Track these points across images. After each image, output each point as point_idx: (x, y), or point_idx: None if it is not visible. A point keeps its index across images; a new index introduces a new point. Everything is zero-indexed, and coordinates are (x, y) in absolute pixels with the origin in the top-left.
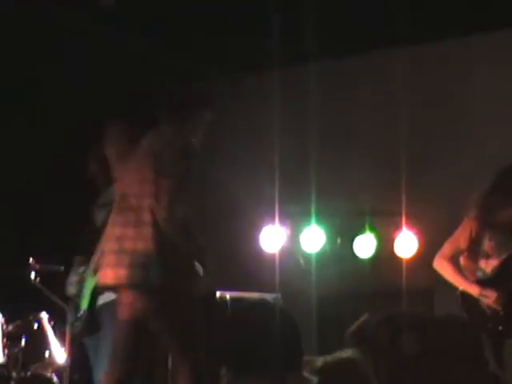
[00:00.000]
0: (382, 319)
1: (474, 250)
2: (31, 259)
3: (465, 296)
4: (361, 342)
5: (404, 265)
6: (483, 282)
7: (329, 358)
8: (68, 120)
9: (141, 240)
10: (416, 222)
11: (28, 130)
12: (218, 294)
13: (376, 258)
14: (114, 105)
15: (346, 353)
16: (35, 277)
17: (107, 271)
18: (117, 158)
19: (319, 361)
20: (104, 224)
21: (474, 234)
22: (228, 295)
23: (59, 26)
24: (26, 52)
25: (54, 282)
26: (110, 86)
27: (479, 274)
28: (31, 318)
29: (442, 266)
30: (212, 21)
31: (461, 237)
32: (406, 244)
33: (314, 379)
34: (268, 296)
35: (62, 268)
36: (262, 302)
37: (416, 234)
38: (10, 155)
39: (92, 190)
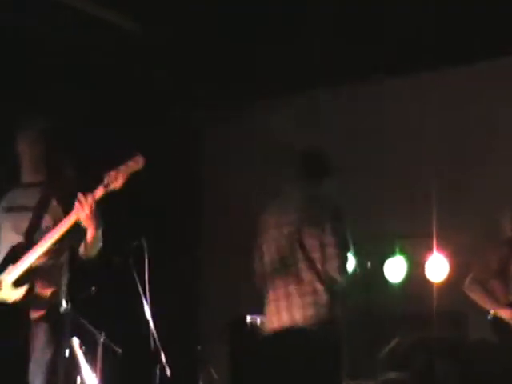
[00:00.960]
0: (415, 343)
1: (504, 273)
2: None
3: (496, 319)
4: (393, 366)
5: (435, 288)
6: None
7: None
8: None
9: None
10: (447, 245)
11: None
12: (249, 318)
13: (406, 281)
14: None
15: (390, 376)
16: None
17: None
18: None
19: None
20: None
21: (504, 257)
22: (259, 319)
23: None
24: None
25: (84, 306)
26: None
27: (510, 296)
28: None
29: (472, 289)
30: None
31: (491, 260)
32: (437, 267)
33: None
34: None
35: (94, 289)
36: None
37: (447, 256)
38: None
39: None
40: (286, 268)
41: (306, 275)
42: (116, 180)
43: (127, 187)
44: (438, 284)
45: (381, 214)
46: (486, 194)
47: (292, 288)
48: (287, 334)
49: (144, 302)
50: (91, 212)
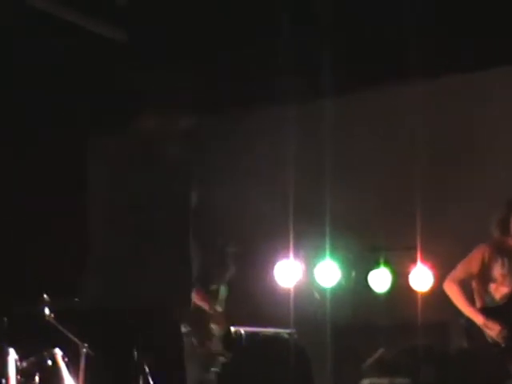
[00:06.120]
0: (402, 351)
1: (484, 274)
2: (45, 295)
3: (469, 324)
4: (379, 374)
5: (419, 299)
6: (490, 310)
7: None
8: None
9: None
10: (431, 256)
11: None
12: (233, 329)
13: (391, 292)
14: None
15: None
16: (49, 313)
17: None
18: None
19: None
20: None
21: (486, 259)
22: (243, 330)
23: None
24: None
25: (68, 317)
26: None
27: (487, 299)
28: (45, 354)
29: (450, 288)
30: None
31: (473, 260)
32: (421, 278)
33: None
34: (283, 331)
35: (77, 300)
36: (276, 337)
37: (431, 267)
38: None
39: None
40: None
41: None
42: None
43: None
44: (422, 294)
45: (366, 225)
46: (469, 207)
47: None
48: None
49: None
50: None
